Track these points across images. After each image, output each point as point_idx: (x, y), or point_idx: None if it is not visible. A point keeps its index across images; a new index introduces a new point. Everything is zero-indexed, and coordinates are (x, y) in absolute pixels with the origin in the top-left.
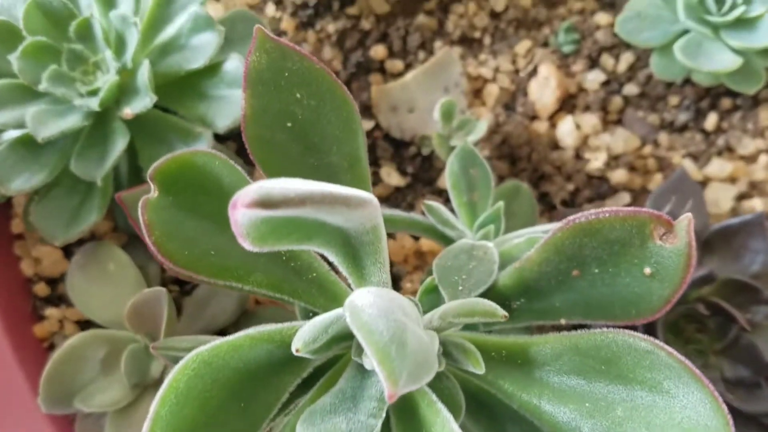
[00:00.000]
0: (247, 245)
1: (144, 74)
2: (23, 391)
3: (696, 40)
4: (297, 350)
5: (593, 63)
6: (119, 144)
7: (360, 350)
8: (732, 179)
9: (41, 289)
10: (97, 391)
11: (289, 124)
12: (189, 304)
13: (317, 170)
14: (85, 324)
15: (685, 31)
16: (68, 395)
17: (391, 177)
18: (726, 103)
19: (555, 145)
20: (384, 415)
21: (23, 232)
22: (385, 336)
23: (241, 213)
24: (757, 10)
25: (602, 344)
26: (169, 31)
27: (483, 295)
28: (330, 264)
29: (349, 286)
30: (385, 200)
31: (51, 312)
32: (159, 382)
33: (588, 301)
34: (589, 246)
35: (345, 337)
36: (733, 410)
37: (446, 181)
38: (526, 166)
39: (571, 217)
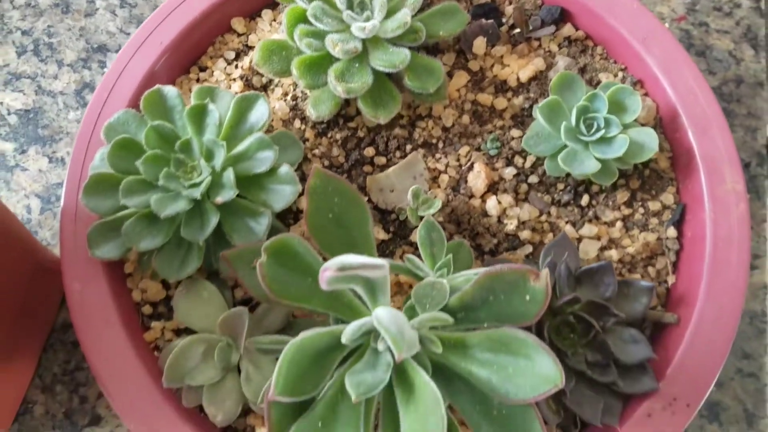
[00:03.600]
0: (324, 286)
1: (229, 176)
2: (142, 375)
3: (573, 152)
4: (344, 341)
5: (509, 162)
6: (213, 220)
7: (376, 339)
8: (597, 237)
9: (147, 309)
10: (198, 372)
11: (330, 216)
12: (253, 318)
13: (347, 241)
14: (179, 331)
15: (566, 146)
16: (181, 375)
17: (379, 233)
18: (595, 188)
19: (485, 214)
20: (389, 374)
21: (132, 272)
22: (394, 330)
23: (328, 273)
24: (613, 132)
25: (502, 335)
26: (240, 148)
27: (441, 310)
28: (356, 295)
29: (366, 306)
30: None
31: (155, 324)
32: (237, 367)
33: (498, 313)
34: (498, 284)
35: (367, 333)
36: (592, 381)
37: (417, 239)
38: (467, 227)
39: (487, 269)
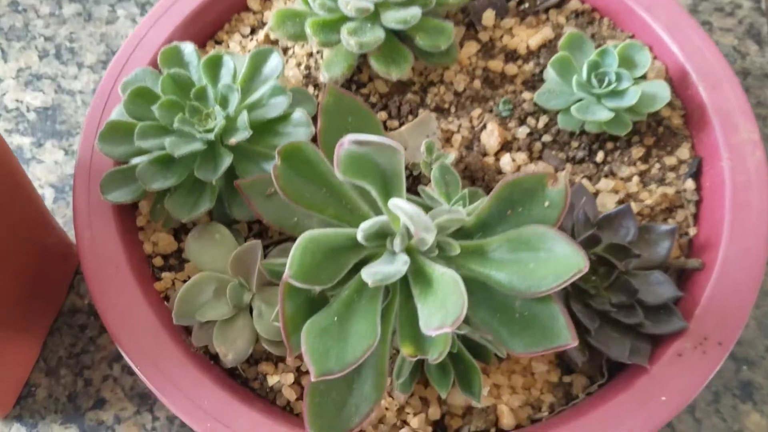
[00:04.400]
0: (339, 175)
1: (243, 118)
2: (151, 319)
3: (585, 104)
4: (360, 238)
5: (522, 122)
6: (226, 160)
7: (391, 241)
8: (615, 191)
9: (158, 261)
10: (210, 308)
11: (343, 134)
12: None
13: None
14: None
15: (579, 99)
16: (191, 310)
17: None
18: (609, 145)
19: (499, 171)
20: (407, 267)
21: (144, 225)
22: (410, 209)
23: (343, 148)
24: (624, 85)
25: (521, 234)
26: (255, 96)
27: (457, 231)
28: (372, 208)
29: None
30: None
31: (165, 275)
32: (248, 306)
33: (517, 226)
34: (516, 193)
35: (383, 235)
36: (617, 323)
37: (432, 181)
38: (481, 183)
39: (504, 179)
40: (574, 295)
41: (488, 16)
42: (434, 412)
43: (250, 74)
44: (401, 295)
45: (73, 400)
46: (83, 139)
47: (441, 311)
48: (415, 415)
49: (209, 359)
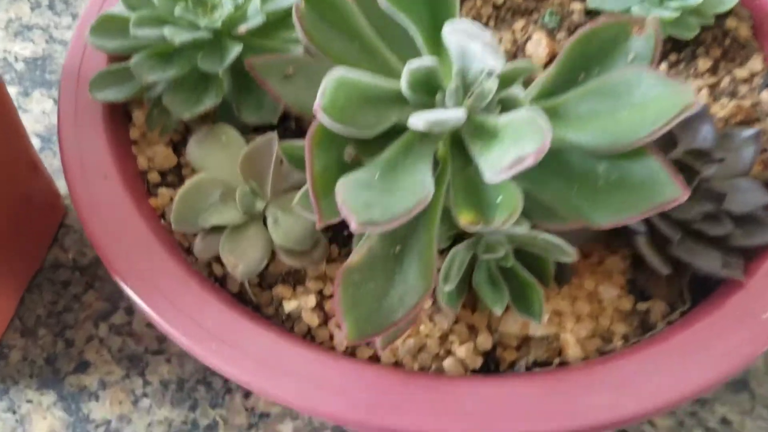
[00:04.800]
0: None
1: (256, 4)
2: (148, 235)
3: (646, 6)
4: (403, 86)
5: (571, 33)
6: (235, 49)
7: (443, 95)
8: None
9: (154, 176)
10: (215, 213)
11: None
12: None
13: None
14: None
15: (640, 2)
16: (194, 215)
17: None
18: (672, 57)
19: None
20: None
21: (138, 138)
22: (469, 31)
23: None
24: None
25: (605, 81)
26: None
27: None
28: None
29: None
30: None
31: (162, 191)
32: (262, 214)
33: None
34: (591, 50)
35: (431, 87)
36: (701, 235)
37: None
38: None
39: (576, 33)
40: None
41: None
42: (484, 341)
43: None
44: (455, 163)
45: (52, 363)
46: (74, 40)
47: (515, 147)
48: (461, 344)
49: (215, 282)
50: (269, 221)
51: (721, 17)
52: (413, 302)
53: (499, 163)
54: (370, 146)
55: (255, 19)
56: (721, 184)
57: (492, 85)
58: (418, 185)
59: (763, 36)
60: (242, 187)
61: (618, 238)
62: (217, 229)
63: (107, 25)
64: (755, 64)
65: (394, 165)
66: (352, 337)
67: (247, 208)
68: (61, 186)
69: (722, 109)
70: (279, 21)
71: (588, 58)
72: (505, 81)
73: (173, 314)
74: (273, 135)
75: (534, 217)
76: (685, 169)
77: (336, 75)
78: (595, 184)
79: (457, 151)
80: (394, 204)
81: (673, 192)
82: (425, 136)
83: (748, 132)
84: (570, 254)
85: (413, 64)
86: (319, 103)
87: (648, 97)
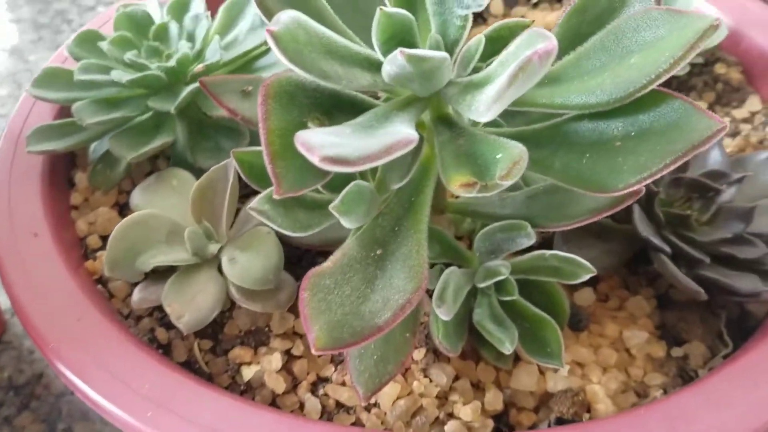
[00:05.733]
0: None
1: (215, 44)
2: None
3: None
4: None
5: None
6: (190, 89)
7: None
8: None
9: (94, 241)
10: (160, 253)
11: None
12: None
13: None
14: None
15: None
16: (130, 256)
17: None
18: None
19: None
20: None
21: (80, 203)
22: None
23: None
24: None
25: (607, 35)
26: (230, 35)
27: None
28: None
29: None
30: None
31: (100, 254)
32: (216, 258)
33: None
34: (588, 16)
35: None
36: (731, 259)
37: None
38: None
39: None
40: (669, 229)
41: (496, 5)
42: (493, 400)
43: (224, 24)
44: (440, 138)
45: None
46: (22, 99)
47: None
48: (465, 403)
49: (158, 348)
50: (224, 262)
51: (708, 64)
52: (401, 303)
53: (498, 84)
54: (339, 115)
55: (213, 57)
56: (744, 205)
57: (478, 44)
58: (398, 132)
59: (757, 76)
60: (192, 228)
61: (639, 264)
62: (162, 275)
63: (51, 78)
64: (753, 104)
65: (368, 126)
66: (321, 344)
67: (198, 250)
68: (3, 301)
69: (729, 144)
70: (238, 68)
71: (587, 26)
72: (494, 41)
73: (103, 380)
74: (229, 160)
75: (538, 220)
76: (704, 188)
77: (293, 13)
78: (611, 146)
79: (442, 125)
80: (370, 144)
81: (709, 125)
82: (404, 105)
83: (764, 155)
84: (588, 270)
85: (387, 10)
86: (272, 29)
87: (659, 34)
